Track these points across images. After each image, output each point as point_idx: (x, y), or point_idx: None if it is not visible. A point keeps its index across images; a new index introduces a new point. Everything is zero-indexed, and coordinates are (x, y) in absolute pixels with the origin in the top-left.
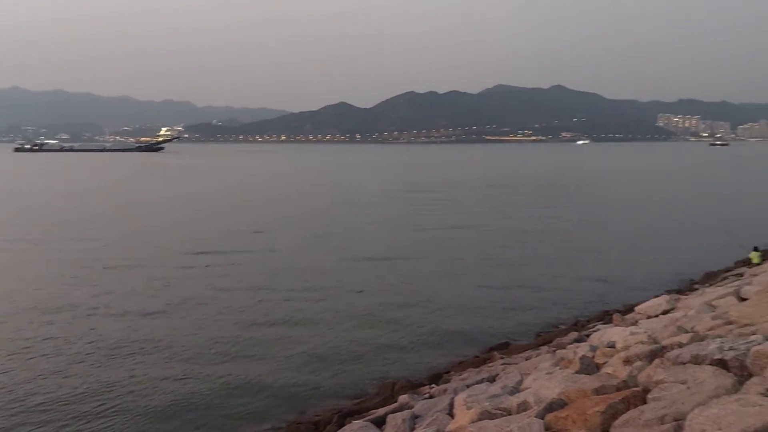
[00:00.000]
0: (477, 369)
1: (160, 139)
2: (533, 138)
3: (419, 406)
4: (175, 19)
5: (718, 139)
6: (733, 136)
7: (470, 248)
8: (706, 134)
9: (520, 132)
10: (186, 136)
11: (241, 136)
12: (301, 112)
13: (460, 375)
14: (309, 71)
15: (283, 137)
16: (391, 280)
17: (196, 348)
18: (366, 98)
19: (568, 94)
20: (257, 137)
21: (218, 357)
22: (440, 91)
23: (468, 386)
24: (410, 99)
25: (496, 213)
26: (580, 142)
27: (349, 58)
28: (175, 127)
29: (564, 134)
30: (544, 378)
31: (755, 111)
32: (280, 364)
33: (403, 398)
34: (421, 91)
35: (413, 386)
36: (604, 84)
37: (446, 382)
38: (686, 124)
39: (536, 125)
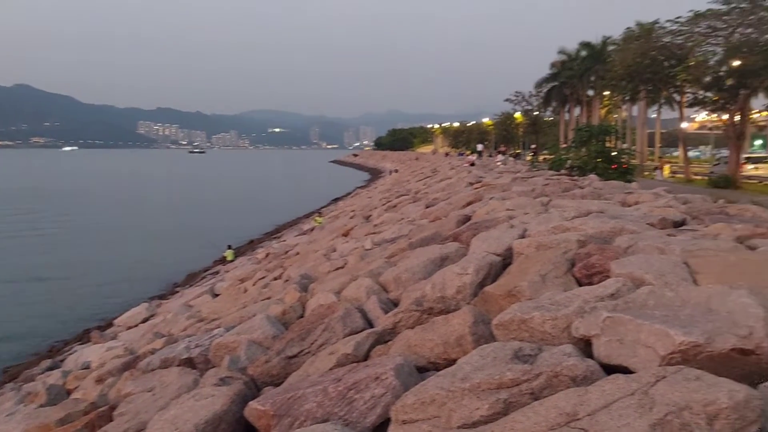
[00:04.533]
0: None
1: None
2: None
3: None
4: None
5: (196, 147)
6: (208, 144)
7: None
8: (185, 142)
9: None
10: None
11: None
12: None
13: None
14: None
15: None
16: None
17: None
18: None
19: (36, 95)
20: None
21: None
22: None
23: None
24: None
25: None
26: (68, 149)
27: None
28: None
29: (36, 139)
30: (2, 421)
31: (226, 122)
32: None
33: None
34: None
35: None
36: (79, 87)
37: None
38: (166, 132)
39: None
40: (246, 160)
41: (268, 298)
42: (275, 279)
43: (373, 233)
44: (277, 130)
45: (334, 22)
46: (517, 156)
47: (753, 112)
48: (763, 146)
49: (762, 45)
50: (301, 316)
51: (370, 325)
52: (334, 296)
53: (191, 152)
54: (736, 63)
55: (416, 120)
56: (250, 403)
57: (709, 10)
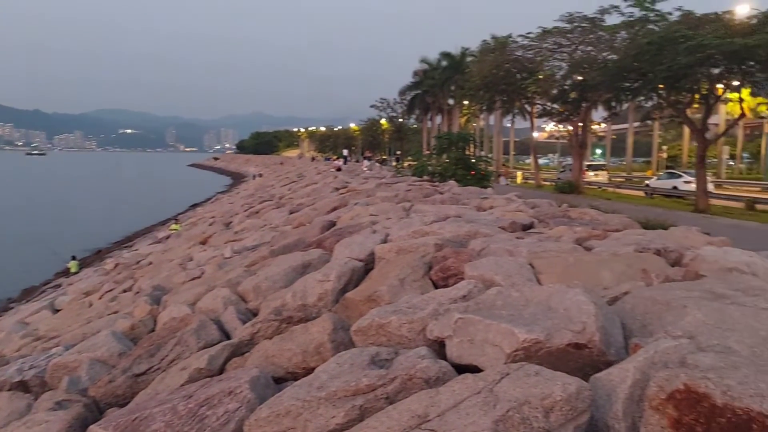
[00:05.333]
0: None
1: None
2: None
3: None
4: None
5: (35, 148)
6: (49, 145)
7: None
8: (21, 143)
9: None
10: None
11: None
12: None
13: None
14: None
15: None
16: None
17: None
18: None
19: None
20: None
21: None
22: None
23: None
24: None
25: None
26: None
27: None
28: None
29: None
30: None
31: (70, 122)
32: None
33: None
34: None
35: None
36: None
37: None
38: None
39: None
40: (93, 163)
41: (116, 312)
42: (125, 291)
43: (234, 241)
44: (128, 131)
45: (190, 15)
46: (383, 162)
47: (593, 123)
48: (603, 155)
49: (600, 62)
50: (152, 331)
51: (227, 337)
52: (188, 308)
53: (29, 154)
54: (578, 78)
55: (281, 123)
56: (91, 427)
57: (555, 27)
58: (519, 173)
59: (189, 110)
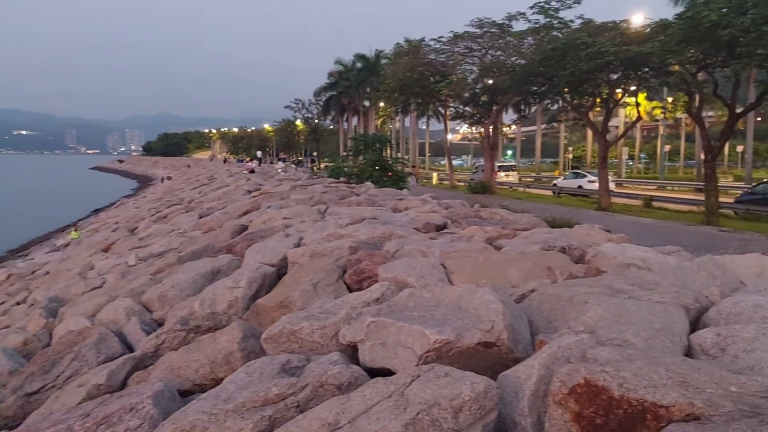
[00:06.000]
0: None
1: None
2: None
3: None
4: None
5: None
6: None
7: None
8: None
9: None
10: None
11: None
12: None
13: None
14: None
15: None
16: None
17: None
18: None
19: None
20: None
21: None
22: None
23: None
24: None
25: None
26: None
27: None
28: None
29: None
30: None
31: None
32: None
33: None
34: None
35: None
36: None
37: None
38: None
39: None
40: None
41: (7, 327)
42: (18, 304)
43: (139, 247)
44: (23, 132)
45: (89, 11)
46: (298, 163)
47: (504, 125)
48: (513, 156)
49: (509, 66)
50: (47, 346)
51: (131, 349)
52: (87, 320)
53: None
54: (489, 81)
55: (191, 124)
56: None
57: (466, 32)
58: (434, 174)
59: (91, 111)
